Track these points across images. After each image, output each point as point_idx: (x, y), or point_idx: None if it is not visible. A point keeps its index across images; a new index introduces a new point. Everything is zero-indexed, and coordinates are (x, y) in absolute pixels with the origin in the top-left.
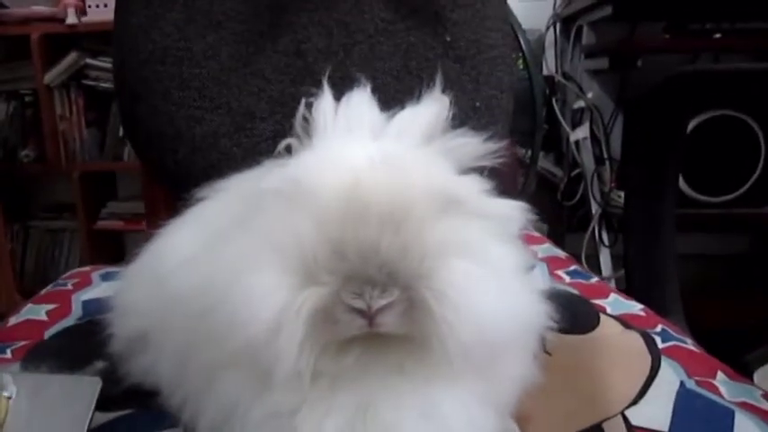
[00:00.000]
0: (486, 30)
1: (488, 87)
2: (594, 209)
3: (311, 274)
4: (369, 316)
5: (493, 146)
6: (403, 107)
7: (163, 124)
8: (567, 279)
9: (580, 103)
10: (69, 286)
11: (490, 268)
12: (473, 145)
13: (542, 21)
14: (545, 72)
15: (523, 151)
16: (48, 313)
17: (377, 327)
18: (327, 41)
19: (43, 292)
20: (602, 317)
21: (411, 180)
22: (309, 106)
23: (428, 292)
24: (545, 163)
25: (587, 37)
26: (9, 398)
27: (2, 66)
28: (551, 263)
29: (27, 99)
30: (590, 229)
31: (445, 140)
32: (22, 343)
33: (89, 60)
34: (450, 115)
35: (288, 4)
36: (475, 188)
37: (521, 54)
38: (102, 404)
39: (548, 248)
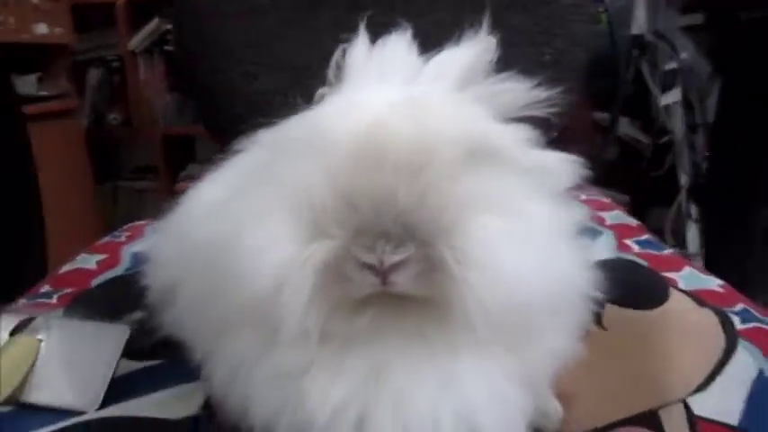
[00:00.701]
0: None
1: (560, 40)
2: (683, 180)
3: (321, 227)
4: (381, 273)
5: (541, 94)
6: None
7: (219, 80)
8: (637, 249)
9: (672, 65)
10: (123, 238)
11: (524, 226)
12: (518, 91)
13: None
14: (634, 30)
15: (604, 115)
16: (98, 263)
17: (390, 286)
18: None
19: (98, 242)
20: (673, 291)
21: (436, 124)
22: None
23: (447, 248)
24: (630, 130)
25: None
26: (41, 341)
27: (90, 33)
28: (620, 231)
29: (114, 65)
30: (677, 201)
31: (485, 85)
32: (70, 290)
33: (170, 26)
34: (495, 59)
35: None
36: (514, 136)
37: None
38: (134, 353)
39: (617, 215)
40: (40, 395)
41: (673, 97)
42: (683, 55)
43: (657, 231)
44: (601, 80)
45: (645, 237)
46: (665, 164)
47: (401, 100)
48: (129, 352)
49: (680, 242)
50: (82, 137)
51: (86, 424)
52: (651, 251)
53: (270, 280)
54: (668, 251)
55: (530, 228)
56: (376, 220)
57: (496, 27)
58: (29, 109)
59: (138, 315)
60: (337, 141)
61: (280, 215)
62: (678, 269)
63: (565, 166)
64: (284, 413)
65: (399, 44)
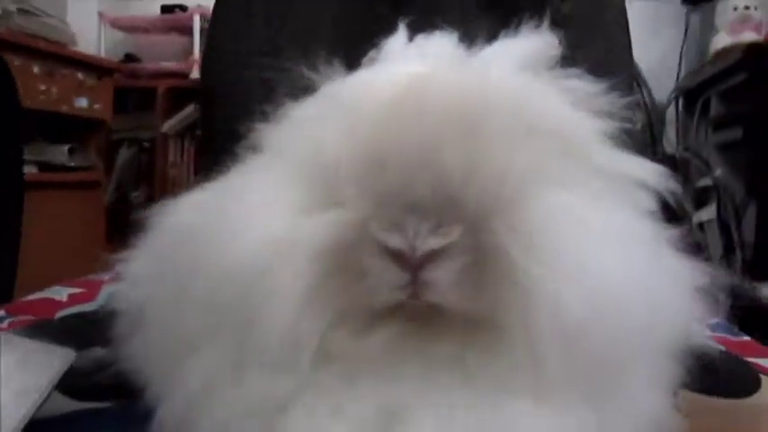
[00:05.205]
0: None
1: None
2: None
3: (331, 192)
4: (411, 264)
5: (615, 100)
6: None
7: None
8: (708, 332)
9: (706, 182)
10: (106, 277)
11: (603, 222)
12: (589, 92)
13: (663, 95)
14: (667, 149)
15: None
16: (69, 296)
17: (424, 289)
18: None
19: (81, 278)
20: (765, 380)
21: (493, 86)
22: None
23: (510, 232)
24: None
25: (716, 108)
26: None
27: (129, 115)
28: None
29: (145, 145)
30: None
31: (551, 76)
32: (28, 318)
33: None
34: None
35: None
36: (591, 127)
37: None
38: (81, 391)
39: None
40: None
41: (707, 215)
42: (717, 171)
43: None
44: None
45: (715, 320)
46: None
47: (452, 56)
48: (76, 390)
49: None
50: (102, 210)
51: None
52: (727, 336)
53: (254, 263)
54: (746, 338)
55: (608, 229)
56: (408, 184)
57: None
58: (56, 177)
59: (99, 352)
60: (366, 97)
61: (279, 181)
62: (763, 355)
63: (650, 177)
64: None
65: (444, 37)
